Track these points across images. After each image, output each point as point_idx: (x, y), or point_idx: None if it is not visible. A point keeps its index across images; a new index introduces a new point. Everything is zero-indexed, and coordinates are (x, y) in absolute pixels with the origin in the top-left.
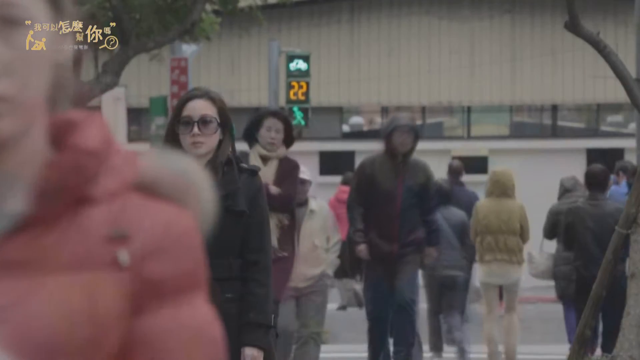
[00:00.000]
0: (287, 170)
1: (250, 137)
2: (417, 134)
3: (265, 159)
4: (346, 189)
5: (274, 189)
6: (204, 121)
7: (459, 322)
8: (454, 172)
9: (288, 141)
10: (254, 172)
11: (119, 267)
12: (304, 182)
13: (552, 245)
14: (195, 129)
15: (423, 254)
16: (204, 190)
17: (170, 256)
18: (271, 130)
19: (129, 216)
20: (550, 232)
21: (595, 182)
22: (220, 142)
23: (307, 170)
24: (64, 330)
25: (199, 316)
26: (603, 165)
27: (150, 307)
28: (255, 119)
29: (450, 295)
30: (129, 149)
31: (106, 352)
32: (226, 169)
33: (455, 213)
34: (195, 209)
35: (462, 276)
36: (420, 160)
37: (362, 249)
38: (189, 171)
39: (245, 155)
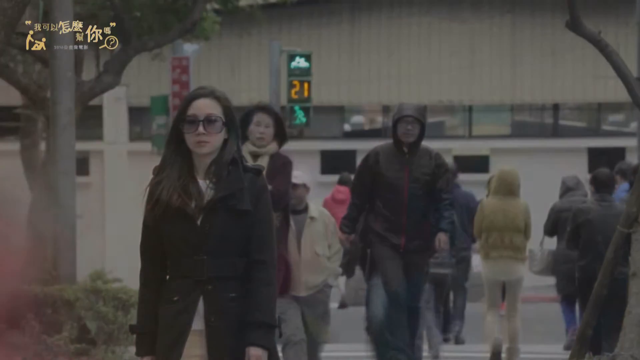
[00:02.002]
0: (278, 166)
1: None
2: (423, 124)
3: (255, 156)
4: (342, 189)
5: None
6: (209, 120)
7: (439, 320)
8: None
9: (280, 137)
10: (258, 171)
11: None
12: (296, 186)
13: (552, 242)
14: (201, 128)
15: (431, 250)
16: None
17: None
18: (260, 125)
19: None
20: (552, 229)
21: (603, 184)
22: (226, 141)
23: (303, 174)
24: None
25: None
26: (604, 164)
27: None
28: (245, 115)
29: (438, 292)
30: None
31: None
32: (231, 168)
33: None
34: None
35: (450, 274)
36: (431, 148)
37: (341, 237)
38: None
39: None
